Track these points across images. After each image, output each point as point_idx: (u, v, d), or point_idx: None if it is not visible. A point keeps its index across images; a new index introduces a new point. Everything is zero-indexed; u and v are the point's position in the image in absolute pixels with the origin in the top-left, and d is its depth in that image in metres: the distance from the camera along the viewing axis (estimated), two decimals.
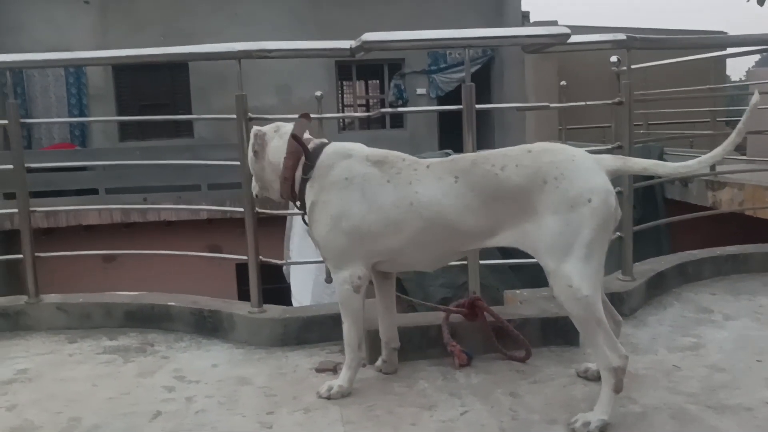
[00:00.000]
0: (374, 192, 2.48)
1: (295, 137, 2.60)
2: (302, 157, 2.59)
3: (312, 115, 2.76)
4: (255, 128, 2.69)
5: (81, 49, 13.10)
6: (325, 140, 2.68)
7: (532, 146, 2.38)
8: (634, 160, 2.38)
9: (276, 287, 8.59)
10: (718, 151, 2.28)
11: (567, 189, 2.22)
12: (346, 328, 2.61)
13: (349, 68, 15.17)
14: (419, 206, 2.42)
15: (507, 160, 2.34)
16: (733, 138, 2.26)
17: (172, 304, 3.40)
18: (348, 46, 3.07)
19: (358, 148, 2.61)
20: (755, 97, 2.27)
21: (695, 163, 2.30)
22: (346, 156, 2.57)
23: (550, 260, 2.25)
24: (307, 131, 2.67)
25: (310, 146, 2.61)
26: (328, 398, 2.57)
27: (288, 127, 2.66)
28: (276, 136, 2.67)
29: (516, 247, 2.37)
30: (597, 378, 2.54)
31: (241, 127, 3.14)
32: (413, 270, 2.81)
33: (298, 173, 2.61)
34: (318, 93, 3.04)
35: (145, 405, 2.58)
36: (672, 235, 7.95)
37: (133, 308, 3.46)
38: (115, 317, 3.47)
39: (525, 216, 2.29)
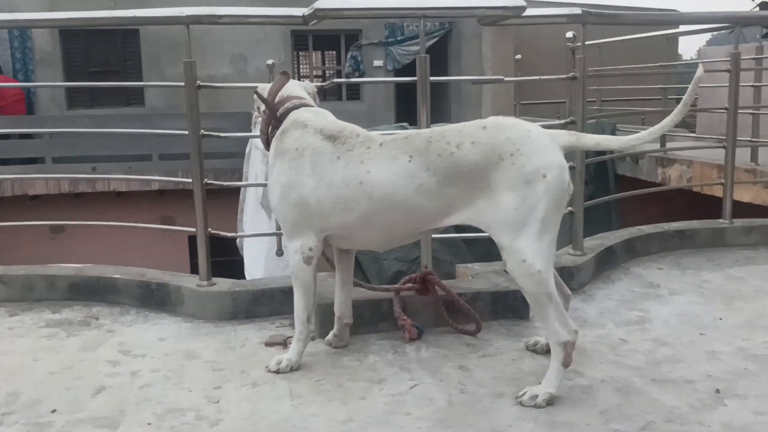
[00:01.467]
0: (324, 167, 2.43)
1: (258, 95, 2.62)
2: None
3: (264, 84, 2.69)
4: (257, 88, 2.67)
5: (27, 11, 12.64)
6: (305, 104, 2.61)
7: (486, 122, 2.35)
8: (587, 135, 2.38)
9: (229, 260, 8.52)
10: (666, 122, 2.31)
11: (523, 165, 2.21)
12: (296, 299, 2.58)
13: (306, 38, 14.95)
14: (369, 186, 2.37)
15: (462, 137, 2.30)
16: (679, 109, 2.30)
17: (118, 276, 3.31)
18: (301, 14, 2.99)
19: (317, 119, 2.54)
20: (699, 71, 2.31)
21: (645, 135, 2.33)
22: (302, 126, 2.52)
23: (505, 236, 2.24)
24: (304, 90, 2.68)
25: (281, 109, 2.58)
26: (277, 372, 2.54)
27: (291, 86, 2.66)
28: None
29: (470, 224, 2.35)
30: (546, 351, 2.57)
31: (190, 95, 3.05)
32: (366, 249, 2.77)
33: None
34: (270, 61, 2.97)
35: (88, 379, 2.52)
36: (623, 211, 8.09)
37: (78, 280, 3.36)
38: (59, 290, 3.36)
39: (480, 193, 2.28)
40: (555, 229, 2.26)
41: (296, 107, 2.59)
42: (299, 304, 2.58)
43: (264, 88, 2.66)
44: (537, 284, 2.23)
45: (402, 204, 2.36)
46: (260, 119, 2.67)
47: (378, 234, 2.48)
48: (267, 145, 2.64)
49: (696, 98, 10.16)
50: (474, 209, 2.31)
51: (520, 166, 2.21)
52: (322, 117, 2.56)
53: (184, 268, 8.69)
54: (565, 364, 2.28)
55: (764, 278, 3.62)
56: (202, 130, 3.11)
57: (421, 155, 2.33)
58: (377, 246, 2.62)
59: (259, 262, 7.81)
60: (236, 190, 8.91)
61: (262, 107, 2.64)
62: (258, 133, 2.72)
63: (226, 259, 8.74)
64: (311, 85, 2.79)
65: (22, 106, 12.83)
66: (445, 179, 2.30)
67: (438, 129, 2.43)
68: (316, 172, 2.44)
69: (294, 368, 2.57)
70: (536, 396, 2.25)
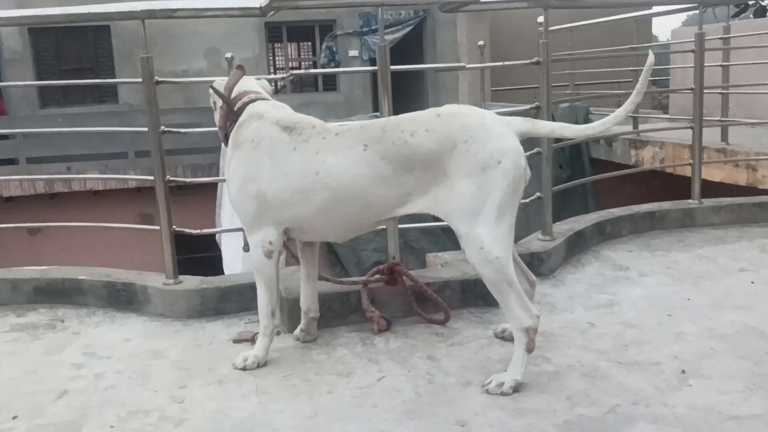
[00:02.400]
0: (281, 158, 2.41)
1: (214, 89, 2.60)
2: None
3: (224, 78, 2.66)
4: (213, 83, 2.66)
5: None
6: (262, 97, 2.60)
7: (441, 110, 2.35)
8: (542, 123, 2.38)
9: (209, 255, 8.46)
10: (619, 111, 2.29)
11: (477, 152, 2.20)
12: (260, 294, 2.56)
13: (280, 30, 14.83)
14: (326, 176, 2.35)
15: (416, 125, 2.29)
16: (632, 99, 2.28)
17: (84, 278, 3.27)
18: (258, 5, 2.95)
19: (274, 111, 2.53)
20: (650, 58, 2.30)
21: (599, 124, 2.31)
22: (258, 117, 2.50)
23: (462, 223, 2.24)
24: (259, 87, 2.67)
25: (239, 103, 2.56)
26: (244, 369, 2.53)
27: (247, 81, 2.65)
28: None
29: (427, 212, 2.34)
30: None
31: (148, 91, 3.00)
32: (325, 240, 2.74)
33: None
34: (228, 54, 2.93)
35: (51, 383, 2.48)
36: (598, 194, 8.13)
37: (42, 283, 3.30)
38: (23, 293, 3.31)
39: (436, 181, 2.27)
40: (512, 215, 2.25)
41: (253, 101, 2.57)
42: (263, 298, 2.56)
43: (220, 83, 2.63)
44: (496, 271, 2.22)
45: (359, 193, 2.34)
46: (217, 114, 2.64)
47: (337, 224, 2.46)
48: (225, 140, 2.61)
49: (668, 80, 10.22)
50: (431, 197, 2.30)
51: (474, 153, 2.20)
52: (279, 109, 2.55)
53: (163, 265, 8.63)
54: (529, 349, 2.28)
55: (732, 257, 3.64)
56: (162, 127, 3.07)
57: (376, 143, 2.32)
58: (337, 237, 2.59)
59: (237, 258, 7.75)
60: (213, 186, 8.84)
61: (219, 102, 2.61)
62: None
63: (205, 255, 8.71)
64: (267, 84, 2.76)
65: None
66: (400, 167, 2.29)
67: (393, 118, 2.42)
68: (273, 163, 2.42)
69: (261, 364, 2.55)
70: (502, 383, 2.25)
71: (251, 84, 2.65)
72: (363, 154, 2.32)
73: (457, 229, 2.26)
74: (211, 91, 2.64)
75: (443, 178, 2.25)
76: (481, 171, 2.19)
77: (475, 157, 2.20)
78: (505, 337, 2.68)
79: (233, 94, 2.58)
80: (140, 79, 3.01)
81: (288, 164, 2.40)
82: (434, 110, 2.35)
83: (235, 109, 2.56)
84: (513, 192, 2.22)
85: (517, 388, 2.25)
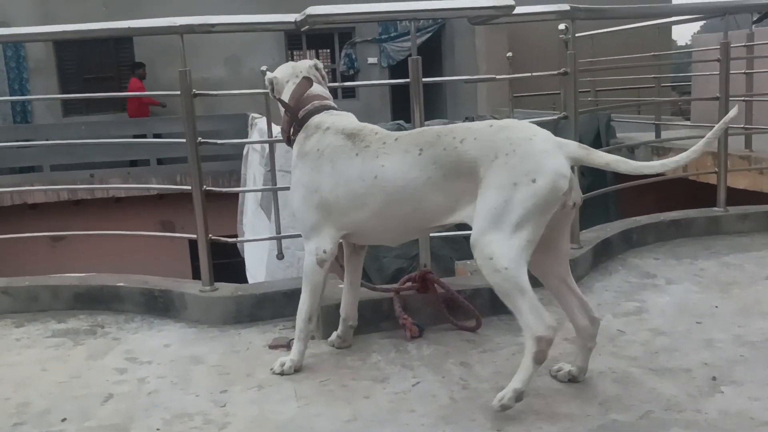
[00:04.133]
0: (343, 164, 2.50)
1: (281, 101, 2.68)
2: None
3: (256, 91, 2.74)
4: (268, 75, 2.73)
5: (19, 20, 12.68)
6: (327, 105, 2.66)
7: (496, 122, 2.38)
8: (598, 153, 2.28)
9: (230, 262, 8.55)
10: (683, 156, 2.26)
11: (514, 166, 2.18)
12: (303, 299, 2.64)
13: (299, 38, 14.95)
14: (383, 180, 2.41)
15: (468, 133, 2.32)
16: (700, 146, 2.26)
17: (122, 284, 3.36)
18: (293, 20, 3.03)
19: (338, 120, 2.59)
20: (732, 112, 2.39)
21: (659, 165, 2.26)
22: (323, 128, 2.58)
23: (476, 230, 2.23)
24: (324, 92, 2.71)
25: (302, 112, 2.63)
26: (281, 374, 2.59)
27: (302, 67, 2.72)
28: (291, 82, 2.71)
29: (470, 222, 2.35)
30: (568, 379, 2.47)
31: (186, 104, 3.08)
32: (381, 244, 2.80)
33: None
34: (264, 68, 3.00)
35: (97, 387, 2.56)
36: (620, 201, 8.13)
37: (82, 290, 3.40)
38: (64, 299, 3.41)
39: (476, 190, 2.28)
40: (534, 233, 2.18)
41: (317, 109, 2.64)
42: (305, 303, 2.63)
43: (276, 79, 2.71)
44: (505, 280, 2.18)
45: (411, 196, 2.39)
46: (282, 120, 2.73)
47: (391, 227, 2.53)
48: (289, 143, 2.71)
49: (689, 86, 10.21)
50: (474, 207, 2.29)
51: (511, 167, 2.18)
52: (344, 118, 2.62)
53: (185, 271, 8.75)
54: (538, 360, 2.19)
55: (760, 264, 3.66)
56: (199, 138, 3.15)
57: (430, 148, 2.36)
58: (390, 240, 2.68)
59: (260, 264, 7.84)
60: (233, 194, 8.94)
61: (273, 94, 2.72)
62: (255, 136, 2.78)
63: (227, 261, 8.82)
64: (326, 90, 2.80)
65: (146, 109, 13.07)
66: (450, 173, 2.31)
67: (450, 125, 2.47)
68: (335, 171, 2.50)
69: (297, 368, 2.61)
70: (503, 396, 2.19)
71: (316, 90, 2.70)
72: (418, 158, 2.37)
73: (472, 235, 2.26)
74: (267, 81, 2.71)
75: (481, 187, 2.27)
76: (513, 186, 2.17)
77: (511, 170, 2.18)
78: (558, 377, 2.47)
79: (295, 103, 2.65)
80: (179, 92, 3.09)
81: (350, 170, 2.48)
82: (489, 121, 2.38)
83: (300, 117, 2.64)
84: (540, 213, 2.17)
85: (519, 398, 2.19)
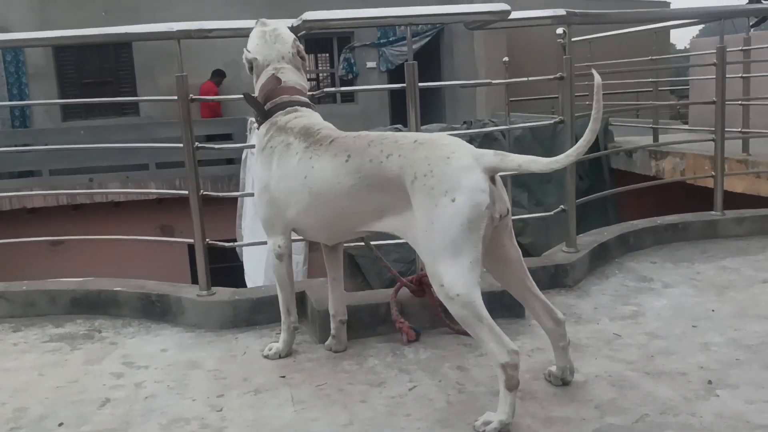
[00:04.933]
0: (284, 162, 2.54)
1: (246, 96, 2.69)
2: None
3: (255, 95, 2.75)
4: (247, 55, 2.74)
5: (19, 27, 12.69)
6: (294, 102, 2.65)
7: (420, 137, 2.31)
8: (511, 157, 2.17)
9: (229, 266, 8.56)
10: (580, 144, 2.08)
11: (432, 187, 2.14)
12: (278, 292, 2.78)
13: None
14: (311, 181, 2.45)
15: (393, 148, 2.28)
16: (591, 127, 2.08)
17: (119, 289, 3.36)
18: (289, 25, 3.03)
19: (298, 119, 2.61)
20: (597, 79, 2.10)
21: (563, 158, 2.12)
22: (280, 125, 2.61)
23: (424, 257, 2.21)
24: (298, 85, 2.70)
25: (269, 104, 2.66)
26: (267, 357, 2.77)
27: (284, 51, 2.72)
28: (272, 66, 2.72)
29: (397, 235, 2.36)
30: (560, 384, 2.46)
31: (183, 109, 3.09)
32: (317, 241, 2.77)
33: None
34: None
35: (93, 392, 2.56)
36: (619, 204, 8.14)
37: (79, 295, 3.40)
38: (61, 304, 3.41)
39: (408, 206, 2.24)
40: (474, 252, 2.12)
41: (283, 106, 2.65)
42: (279, 296, 2.78)
43: (258, 62, 2.73)
44: (461, 307, 2.13)
45: (334, 201, 2.41)
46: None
47: (321, 227, 2.58)
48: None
49: (687, 90, 10.22)
50: (402, 221, 2.29)
51: (429, 188, 2.15)
52: (305, 118, 2.62)
53: (184, 276, 8.75)
54: (509, 387, 2.12)
55: (756, 268, 3.67)
56: (196, 143, 3.16)
57: (358, 156, 2.35)
58: (326, 239, 2.70)
59: (259, 269, 7.86)
60: (232, 198, 8.95)
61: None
62: (254, 140, 2.81)
63: (226, 265, 8.82)
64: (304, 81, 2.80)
65: (219, 110, 13.30)
66: (374, 185, 2.31)
67: (384, 134, 2.41)
68: (278, 167, 2.55)
69: (282, 355, 2.76)
70: (489, 422, 2.13)
71: (290, 80, 2.70)
72: (344, 165, 2.37)
73: (423, 262, 2.26)
74: (245, 60, 2.74)
75: (409, 206, 2.24)
76: (435, 207, 2.13)
77: (430, 192, 2.14)
78: (551, 381, 2.47)
79: (264, 98, 2.68)
80: (175, 97, 3.10)
81: (288, 168, 2.52)
82: (415, 136, 2.32)
83: (266, 110, 2.68)
84: (469, 231, 2.10)
85: (504, 429, 2.10)
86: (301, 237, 2.79)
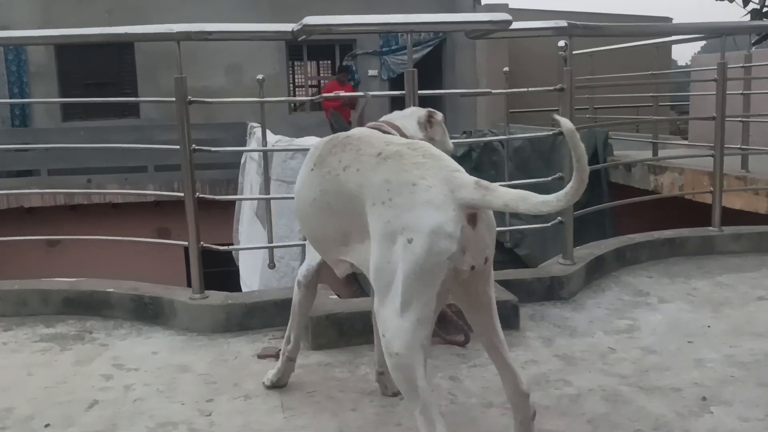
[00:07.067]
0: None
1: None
2: None
3: (252, 99, 2.74)
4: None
5: (21, 24, 12.71)
6: (382, 125, 2.26)
7: (387, 149, 1.86)
8: (498, 192, 1.68)
9: (225, 270, 8.53)
10: (571, 186, 1.61)
11: (389, 220, 1.74)
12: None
13: (301, 48, 15.00)
14: (296, 196, 2.18)
15: (354, 159, 1.90)
16: (577, 176, 1.60)
17: (112, 290, 3.34)
18: (290, 29, 3.03)
19: (345, 135, 2.10)
20: (565, 124, 1.67)
21: (554, 201, 1.62)
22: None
23: (375, 298, 1.80)
24: (400, 123, 2.33)
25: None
26: (264, 383, 2.55)
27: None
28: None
29: (361, 268, 1.97)
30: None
31: (181, 111, 3.08)
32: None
33: None
34: (260, 77, 3.01)
35: (82, 393, 2.54)
36: (616, 218, 8.13)
37: (72, 295, 3.38)
38: (53, 304, 3.38)
39: (365, 233, 1.84)
40: (423, 309, 1.72)
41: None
42: (288, 323, 2.52)
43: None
44: (395, 368, 1.76)
45: (303, 221, 2.15)
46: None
47: (320, 250, 2.25)
48: None
49: (687, 106, 10.23)
50: (360, 250, 1.90)
51: (386, 221, 1.74)
52: (356, 134, 2.09)
53: (180, 279, 8.72)
54: None
55: (752, 285, 3.65)
56: (193, 145, 3.15)
57: (321, 165, 2.01)
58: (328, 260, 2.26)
59: (254, 273, 7.83)
60: (229, 202, 8.94)
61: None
62: (253, 145, 2.75)
63: (222, 270, 8.80)
64: (413, 123, 2.40)
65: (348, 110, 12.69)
66: (335, 201, 1.95)
67: (351, 139, 2.01)
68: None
69: (275, 385, 2.53)
70: None
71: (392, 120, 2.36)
72: (309, 174, 2.05)
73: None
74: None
75: (366, 234, 1.83)
76: (392, 244, 1.72)
77: (387, 224, 1.74)
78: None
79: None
80: (173, 99, 3.09)
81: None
82: (381, 146, 1.88)
83: None
84: (422, 283, 1.70)
85: None
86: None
